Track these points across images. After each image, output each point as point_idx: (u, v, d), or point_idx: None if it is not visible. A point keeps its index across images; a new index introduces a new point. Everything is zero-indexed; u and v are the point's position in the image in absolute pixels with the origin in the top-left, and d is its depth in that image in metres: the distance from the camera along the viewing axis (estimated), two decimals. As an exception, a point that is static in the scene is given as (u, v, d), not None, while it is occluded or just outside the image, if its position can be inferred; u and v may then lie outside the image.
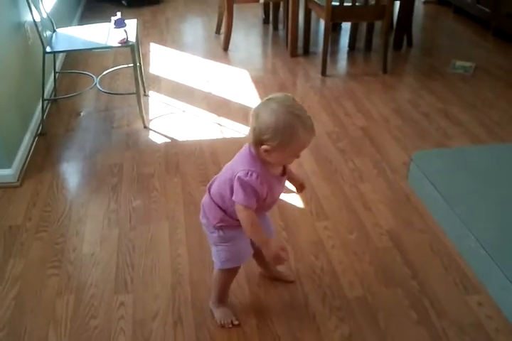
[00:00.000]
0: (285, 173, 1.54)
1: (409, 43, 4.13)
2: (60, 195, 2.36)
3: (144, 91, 3.20)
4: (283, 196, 2.33)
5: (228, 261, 1.64)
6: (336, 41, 4.24)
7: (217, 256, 1.65)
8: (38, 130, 2.81)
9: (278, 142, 1.36)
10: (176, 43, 4.11)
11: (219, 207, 1.56)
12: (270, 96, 1.41)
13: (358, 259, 2.00)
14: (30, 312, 1.79)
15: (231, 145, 2.76)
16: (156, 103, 3.18)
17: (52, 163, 2.59)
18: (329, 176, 2.51)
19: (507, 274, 0.60)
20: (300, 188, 1.67)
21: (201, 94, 3.30)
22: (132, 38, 2.67)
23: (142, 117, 2.88)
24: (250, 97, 3.27)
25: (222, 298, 1.75)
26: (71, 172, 2.57)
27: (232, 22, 3.83)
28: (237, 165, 1.46)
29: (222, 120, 3.01)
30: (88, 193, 2.39)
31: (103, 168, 2.55)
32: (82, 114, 3.05)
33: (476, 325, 1.74)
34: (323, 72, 3.56)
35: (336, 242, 2.09)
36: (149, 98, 3.22)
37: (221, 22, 4.17)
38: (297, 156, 1.45)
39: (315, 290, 1.86)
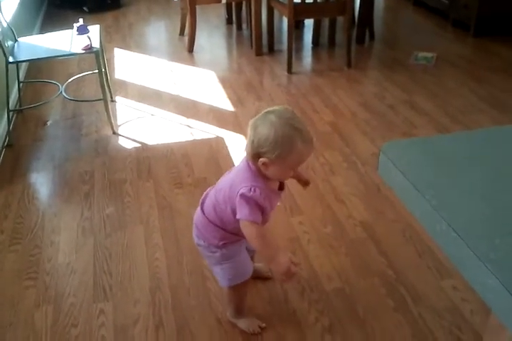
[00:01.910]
0: (283, 188, 1.52)
1: (372, 37, 4.19)
2: (31, 206, 2.34)
3: (111, 97, 3.18)
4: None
5: (236, 276, 1.60)
6: (299, 38, 4.27)
7: (223, 275, 1.61)
8: (4, 141, 2.77)
9: (276, 155, 1.33)
10: (140, 47, 4.09)
11: (217, 226, 1.52)
12: (269, 109, 1.39)
13: (334, 252, 2.04)
14: (9, 325, 1.76)
15: (202, 147, 2.77)
16: (124, 108, 3.16)
17: (22, 174, 2.56)
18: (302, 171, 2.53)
19: (478, 254, 0.62)
20: (304, 184, 1.63)
21: (169, 97, 3.30)
22: (96, 44, 2.65)
23: (110, 123, 2.87)
24: (218, 98, 3.28)
25: (241, 311, 1.72)
26: (42, 183, 2.54)
27: (195, 23, 3.83)
28: (237, 183, 1.42)
29: (192, 122, 3.01)
30: (60, 202, 2.37)
31: (74, 176, 2.53)
32: (48, 123, 3.02)
33: (451, 308, 1.78)
34: (289, 70, 3.59)
35: (312, 236, 2.12)
36: (116, 103, 3.20)
37: (184, 24, 4.16)
38: (295, 170, 1.43)
39: (293, 285, 1.88)
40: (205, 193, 1.61)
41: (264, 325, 1.72)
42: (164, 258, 2.03)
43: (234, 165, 2.53)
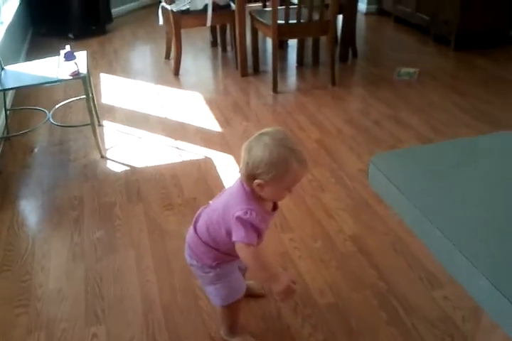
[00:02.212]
0: (276, 208, 1.53)
1: (355, 55, 4.27)
2: (21, 233, 2.33)
3: (98, 122, 3.20)
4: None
5: (230, 296, 1.61)
6: (284, 58, 4.34)
7: (216, 294, 1.61)
8: (-7, 169, 2.78)
9: (271, 176, 1.35)
10: (126, 72, 4.14)
11: (210, 246, 1.52)
12: (262, 131, 1.41)
13: (325, 266, 2.04)
14: (1, 353, 1.75)
15: (191, 168, 2.79)
16: (112, 132, 3.19)
17: (11, 201, 2.55)
18: (290, 189, 2.55)
19: (468, 257, 0.65)
20: None
21: (156, 120, 3.33)
22: (83, 70, 2.68)
23: (99, 147, 2.89)
24: (205, 119, 3.32)
25: (235, 329, 1.72)
26: (31, 209, 2.54)
27: (181, 46, 3.89)
28: (232, 205, 1.43)
29: (180, 143, 3.03)
30: (50, 228, 2.36)
31: (63, 202, 2.53)
32: (35, 150, 3.03)
33: (444, 317, 1.79)
34: (275, 89, 3.65)
35: (303, 252, 2.13)
36: (104, 128, 3.23)
37: (170, 48, 4.22)
38: (290, 191, 1.43)
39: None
40: (197, 213, 1.62)
41: None
42: (155, 280, 2.03)
43: (223, 185, 2.59)
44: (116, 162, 2.87)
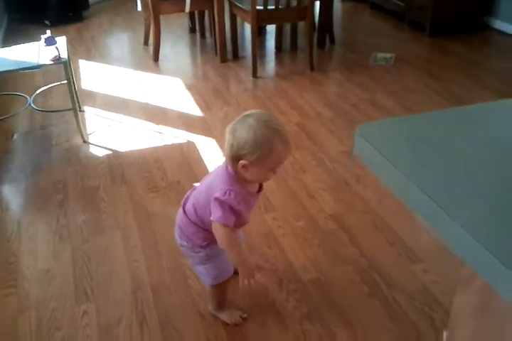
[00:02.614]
0: (261, 189, 1.56)
1: (332, 41, 4.32)
2: (6, 216, 2.34)
3: (79, 107, 3.20)
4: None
5: (219, 275, 1.65)
6: (262, 44, 4.37)
7: (206, 274, 1.66)
8: (-26, 155, 2.77)
9: (256, 156, 1.37)
10: (105, 58, 4.12)
11: (199, 226, 1.56)
12: (246, 113, 1.44)
13: (308, 244, 2.11)
14: (-8, 333, 1.78)
15: (173, 151, 2.82)
16: (93, 117, 3.19)
17: (-6, 186, 2.56)
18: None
19: (449, 213, 0.68)
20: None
21: (137, 105, 3.34)
22: (64, 55, 2.68)
23: (81, 132, 2.89)
24: (186, 104, 3.34)
25: (223, 305, 1.77)
26: (15, 194, 2.54)
27: (159, 32, 3.89)
28: (215, 186, 1.47)
29: (162, 128, 3.06)
30: (35, 211, 2.38)
31: (47, 186, 2.54)
32: (15, 135, 3.01)
33: (423, 290, 1.88)
34: (254, 74, 3.68)
35: (286, 231, 2.19)
36: (85, 113, 3.23)
37: (148, 34, 4.21)
38: (274, 172, 1.45)
39: (272, 278, 1.94)
40: (186, 195, 1.66)
41: (245, 315, 1.78)
42: (143, 260, 2.07)
43: (206, 168, 2.64)
44: (99, 146, 2.88)
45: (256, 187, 1.55)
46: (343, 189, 2.45)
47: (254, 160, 1.39)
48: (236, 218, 1.47)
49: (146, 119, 3.16)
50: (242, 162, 1.40)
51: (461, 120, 0.92)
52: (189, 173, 2.61)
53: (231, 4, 3.82)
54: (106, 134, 3.00)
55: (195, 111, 3.25)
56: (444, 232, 0.70)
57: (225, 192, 1.42)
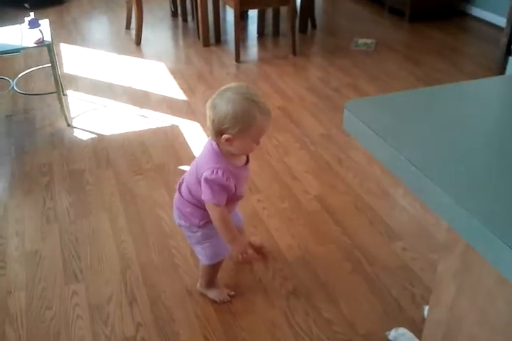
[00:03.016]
0: (248, 161, 1.59)
1: (314, 26, 4.35)
2: (-8, 199, 2.35)
3: (62, 91, 3.18)
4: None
5: (216, 255, 1.70)
6: (244, 28, 4.37)
7: (204, 254, 1.70)
8: (-44, 139, 2.75)
9: (238, 129, 1.39)
10: (87, 42, 4.09)
11: (195, 205, 1.60)
12: (224, 87, 1.45)
13: (292, 224, 2.16)
14: (-17, 312, 1.80)
15: (158, 135, 2.84)
16: (76, 101, 3.18)
17: (-22, 170, 2.55)
18: (256, 154, 2.63)
19: (434, 180, 0.72)
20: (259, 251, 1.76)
21: (121, 89, 3.34)
22: (48, 38, 2.66)
23: (65, 115, 2.89)
24: (170, 88, 3.35)
25: (212, 283, 1.82)
26: (0, 177, 2.54)
27: (142, 16, 3.87)
28: (202, 165, 1.50)
29: (146, 111, 3.07)
30: (22, 194, 2.39)
31: (32, 169, 2.55)
32: None
33: (403, 267, 1.95)
34: (237, 59, 3.70)
35: (271, 212, 2.24)
36: (68, 97, 3.22)
37: (130, 17, 4.19)
38: (258, 142, 1.47)
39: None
40: (181, 178, 1.69)
41: (232, 293, 1.83)
42: (131, 240, 2.10)
43: (191, 151, 2.67)
44: (83, 130, 2.88)
45: (243, 160, 1.58)
46: (325, 171, 2.51)
47: (237, 133, 1.40)
48: (229, 193, 1.51)
49: (130, 103, 3.16)
50: (225, 136, 1.42)
51: (443, 97, 0.97)
52: (174, 156, 2.64)
53: (214, -12, 3.82)
54: (90, 118, 3.00)
55: (179, 95, 3.27)
56: (428, 200, 0.74)
57: (213, 171, 1.45)
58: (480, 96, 0.97)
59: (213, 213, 1.52)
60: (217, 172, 1.45)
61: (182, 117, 3.00)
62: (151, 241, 2.10)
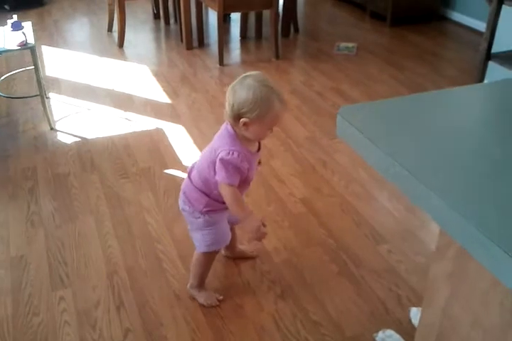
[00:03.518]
0: (260, 149, 1.65)
1: (296, 30, 4.38)
2: (-25, 204, 2.32)
3: (45, 94, 3.15)
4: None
5: (214, 244, 1.73)
6: (227, 31, 4.39)
7: (202, 240, 1.72)
8: None
9: (256, 114, 1.45)
10: (69, 44, 4.06)
11: (203, 192, 1.64)
12: (244, 74, 1.52)
13: (278, 227, 2.18)
14: (-32, 318, 1.78)
15: (143, 138, 2.83)
16: (59, 104, 3.16)
17: (-40, 174, 2.52)
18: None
19: (426, 184, 0.74)
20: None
21: (104, 92, 3.32)
22: (31, 40, 2.64)
23: (48, 119, 2.87)
24: (154, 91, 3.34)
25: (202, 283, 1.83)
26: (-18, 181, 2.51)
27: (125, 18, 3.86)
28: (217, 147, 1.55)
29: (130, 114, 3.06)
30: (5, 199, 2.36)
31: (16, 173, 2.52)
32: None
33: (389, 269, 1.98)
34: (221, 62, 3.71)
35: (257, 214, 2.24)
36: (51, 100, 3.19)
37: (112, 20, 4.17)
38: (271, 130, 1.55)
39: (245, 259, 2.01)
40: (191, 166, 1.73)
41: (221, 297, 1.84)
42: (117, 244, 2.10)
43: (176, 154, 2.67)
44: (67, 133, 2.86)
45: (255, 146, 1.63)
46: (310, 174, 2.54)
47: (255, 118, 1.47)
48: (242, 176, 1.57)
49: (113, 106, 3.15)
50: (243, 120, 1.48)
51: (431, 103, 1.00)
52: (159, 159, 2.64)
53: (197, -9, 3.82)
54: (73, 121, 2.98)
55: (163, 98, 3.26)
56: (422, 205, 0.76)
57: (229, 152, 1.51)
58: (469, 102, 1.00)
59: (226, 193, 1.57)
60: (233, 153, 1.51)
61: (166, 120, 3.00)
62: (137, 245, 2.09)
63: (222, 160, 1.51)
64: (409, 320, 1.76)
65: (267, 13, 3.94)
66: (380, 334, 1.68)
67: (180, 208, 1.74)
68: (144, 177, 2.50)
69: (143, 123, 2.97)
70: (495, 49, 2.89)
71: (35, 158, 2.64)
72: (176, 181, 2.47)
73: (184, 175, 2.46)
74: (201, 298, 1.83)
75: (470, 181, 0.75)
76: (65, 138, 2.82)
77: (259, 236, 1.63)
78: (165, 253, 2.05)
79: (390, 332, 1.68)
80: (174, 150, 2.71)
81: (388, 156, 0.80)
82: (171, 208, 2.29)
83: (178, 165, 2.59)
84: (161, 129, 2.91)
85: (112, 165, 2.59)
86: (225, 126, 1.57)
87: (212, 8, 3.67)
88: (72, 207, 2.30)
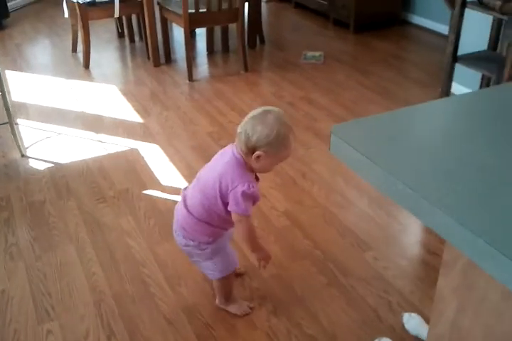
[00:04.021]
0: (258, 179, 1.66)
1: (262, 41, 4.41)
2: (-51, 239, 2.24)
3: (13, 120, 3.09)
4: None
5: (227, 267, 1.74)
6: (193, 46, 4.38)
7: (214, 269, 1.72)
8: None
9: (274, 150, 1.50)
10: (33, 68, 3.99)
11: (205, 222, 1.62)
12: (266, 108, 1.55)
13: (263, 242, 2.14)
14: (-48, 361, 1.71)
15: (118, 160, 2.79)
16: (28, 130, 3.09)
17: None
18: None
19: (432, 202, 0.74)
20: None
21: (73, 115, 3.27)
22: (-6, 67, 2.59)
23: (18, 146, 2.80)
24: (124, 110, 3.31)
25: (229, 296, 1.83)
26: (-46, 214, 2.44)
27: (89, 39, 3.81)
28: (229, 178, 1.53)
29: (102, 136, 3.01)
30: (-20, 232, 2.29)
31: (-11, 204, 2.46)
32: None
33: (377, 276, 1.99)
34: (190, 78, 3.70)
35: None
36: (19, 126, 3.12)
37: (76, 40, 4.12)
38: (277, 164, 1.60)
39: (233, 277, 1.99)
40: (182, 195, 1.70)
41: (252, 305, 1.86)
42: (101, 271, 2.05)
43: (154, 174, 2.64)
44: (39, 160, 2.80)
45: (253, 176, 1.65)
46: (290, 186, 2.54)
47: (271, 153, 1.51)
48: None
49: (84, 129, 3.10)
50: (258, 153, 1.50)
51: (420, 117, 1.00)
52: (137, 180, 2.60)
53: (161, 8, 3.81)
54: (44, 146, 2.92)
55: (135, 117, 3.23)
56: (428, 221, 0.75)
57: (249, 185, 1.52)
58: (459, 113, 1.01)
59: (244, 225, 1.59)
60: (253, 186, 1.54)
61: (140, 140, 2.97)
62: (122, 270, 2.05)
63: (244, 193, 1.52)
64: (403, 326, 1.77)
65: (232, 26, 3.95)
66: (376, 344, 1.68)
67: (183, 244, 1.71)
68: (122, 199, 2.46)
69: (116, 144, 2.94)
70: (459, 51, 2.95)
71: (7, 187, 2.57)
72: (155, 201, 2.44)
73: (164, 195, 2.48)
74: (233, 308, 1.83)
75: (473, 193, 0.75)
76: (37, 165, 2.76)
77: (266, 263, 1.73)
78: (151, 276, 2.02)
79: (385, 339, 1.69)
80: (151, 170, 2.68)
81: (389, 174, 0.79)
82: (153, 229, 2.26)
83: (156, 185, 2.56)
84: (136, 149, 2.88)
85: (89, 189, 2.55)
86: (233, 153, 1.56)
87: (178, 24, 3.67)
88: (51, 235, 2.25)
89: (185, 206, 1.66)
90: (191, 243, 1.68)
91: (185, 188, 1.73)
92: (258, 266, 1.75)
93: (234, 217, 1.58)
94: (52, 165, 2.76)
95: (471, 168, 0.81)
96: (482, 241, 0.64)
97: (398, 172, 0.80)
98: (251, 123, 1.51)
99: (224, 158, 1.60)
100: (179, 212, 1.69)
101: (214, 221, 1.63)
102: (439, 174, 0.80)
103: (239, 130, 1.54)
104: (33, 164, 2.77)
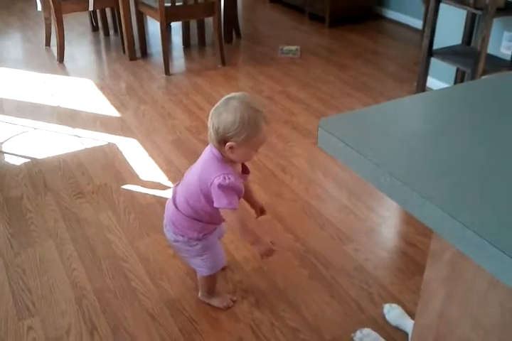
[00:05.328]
0: (247, 172, 1.63)
1: (238, 35, 4.40)
2: None
3: (-14, 115, 3.03)
4: (164, 192, 2.42)
5: (216, 265, 1.73)
6: (169, 40, 4.35)
7: (203, 265, 1.71)
8: None
9: (244, 137, 1.42)
10: (6, 62, 3.90)
11: (195, 219, 1.60)
12: (228, 96, 1.47)
13: (246, 235, 2.17)
14: None
15: (96, 154, 2.76)
16: (3, 125, 3.04)
17: None
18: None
19: (422, 194, 0.75)
20: (260, 213, 1.78)
21: (49, 109, 3.22)
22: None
23: (-8, 141, 2.75)
24: (101, 105, 3.27)
25: (213, 290, 1.83)
26: None
27: (63, 32, 3.75)
28: (207, 174, 1.50)
29: (79, 131, 2.97)
30: (-44, 229, 2.25)
31: (-36, 201, 2.41)
32: None
33: (358, 268, 2.02)
34: (167, 71, 3.67)
35: (222, 225, 2.24)
36: (-6, 121, 3.07)
37: (50, 34, 4.05)
38: (256, 151, 1.52)
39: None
40: (173, 191, 1.68)
41: (235, 298, 1.86)
42: (82, 267, 2.03)
43: (132, 168, 2.62)
44: (14, 155, 2.76)
45: (239, 168, 1.61)
46: (270, 179, 2.55)
47: (241, 141, 1.44)
48: (239, 197, 1.56)
49: (60, 123, 3.05)
50: (229, 143, 1.44)
51: (406, 110, 1.02)
52: (115, 175, 2.58)
53: (137, 2, 3.77)
54: (20, 141, 2.87)
55: (112, 111, 3.20)
56: (417, 213, 0.76)
57: (225, 177, 1.47)
58: (445, 104, 1.02)
59: (232, 218, 1.55)
60: (229, 177, 1.48)
61: (118, 134, 2.94)
62: (103, 266, 2.04)
63: (220, 186, 1.47)
64: (384, 317, 1.80)
65: (208, 20, 3.93)
66: (358, 334, 1.71)
67: (172, 240, 1.70)
68: (101, 195, 2.44)
69: (94, 139, 2.90)
70: (434, 45, 3.00)
71: (-17, 184, 2.52)
72: (135, 196, 2.42)
73: (144, 190, 2.46)
74: (215, 302, 1.83)
75: (461, 185, 0.77)
76: (13, 160, 2.71)
77: (269, 256, 1.65)
78: (132, 271, 2.01)
79: (367, 330, 1.71)
80: (130, 165, 2.66)
81: (377, 166, 0.80)
82: (133, 224, 2.25)
83: (135, 179, 2.55)
84: (114, 144, 2.85)
85: (66, 184, 2.52)
86: (210, 150, 1.54)
87: (154, 17, 3.63)
88: (30, 231, 2.22)
89: (174, 202, 1.66)
90: (181, 238, 1.67)
91: (177, 184, 1.72)
92: (262, 258, 1.69)
93: (221, 212, 1.55)
94: (29, 160, 2.72)
95: (458, 160, 0.82)
96: (471, 232, 0.66)
97: (387, 164, 0.81)
98: (215, 114, 1.46)
99: (204, 155, 1.59)
100: (169, 208, 1.69)
101: (201, 217, 1.62)
102: (427, 166, 0.82)
103: (208, 125, 1.50)
104: (9, 159, 2.72)
